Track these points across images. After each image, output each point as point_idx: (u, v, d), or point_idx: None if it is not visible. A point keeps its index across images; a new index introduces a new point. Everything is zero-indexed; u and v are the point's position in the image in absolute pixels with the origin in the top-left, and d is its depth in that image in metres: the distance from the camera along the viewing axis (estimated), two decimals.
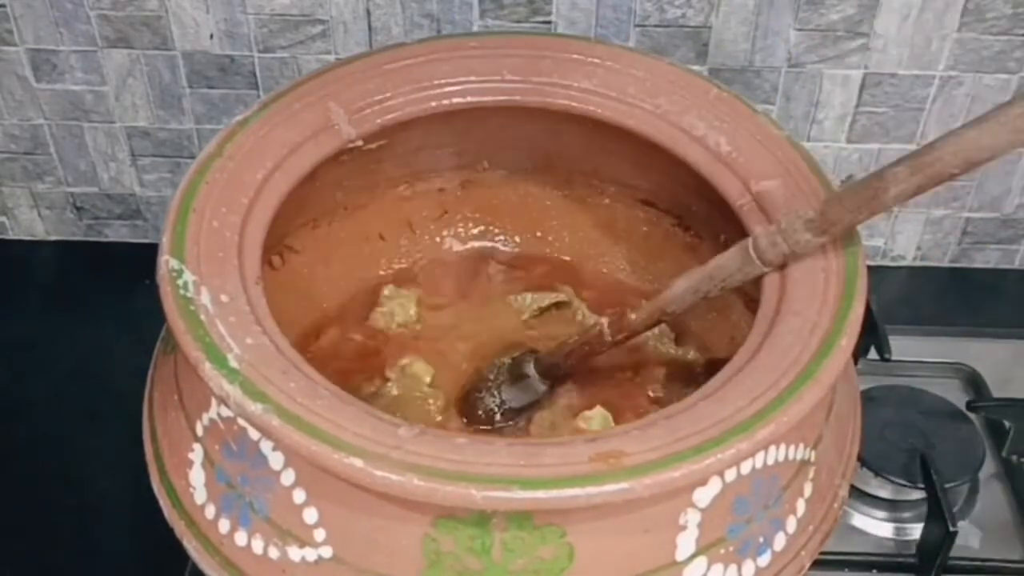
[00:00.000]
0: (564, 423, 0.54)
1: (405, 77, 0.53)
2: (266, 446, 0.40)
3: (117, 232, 0.79)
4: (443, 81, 0.54)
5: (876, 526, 0.61)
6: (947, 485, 0.58)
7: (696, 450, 0.37)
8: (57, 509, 0.61)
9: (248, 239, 0.45)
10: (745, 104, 0.53)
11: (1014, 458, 0.64)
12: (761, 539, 0.41)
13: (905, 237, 0.77)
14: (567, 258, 0.63)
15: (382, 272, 0.61)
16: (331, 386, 0.39)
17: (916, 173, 0.40)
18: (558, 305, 0.61)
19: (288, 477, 0.40)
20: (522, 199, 0.62)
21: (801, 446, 0.43)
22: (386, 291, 0.60)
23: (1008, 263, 0.79)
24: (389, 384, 0.56)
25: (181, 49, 0.69)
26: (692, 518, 0.39)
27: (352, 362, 0.57)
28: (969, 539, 0.60)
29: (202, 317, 0.40)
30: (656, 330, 0.57)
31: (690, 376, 0.57)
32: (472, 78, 0.54)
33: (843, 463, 0.47)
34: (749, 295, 0.51)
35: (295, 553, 0.40)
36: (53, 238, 0.80)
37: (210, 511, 0.42)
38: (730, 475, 0.40)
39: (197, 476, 0.43)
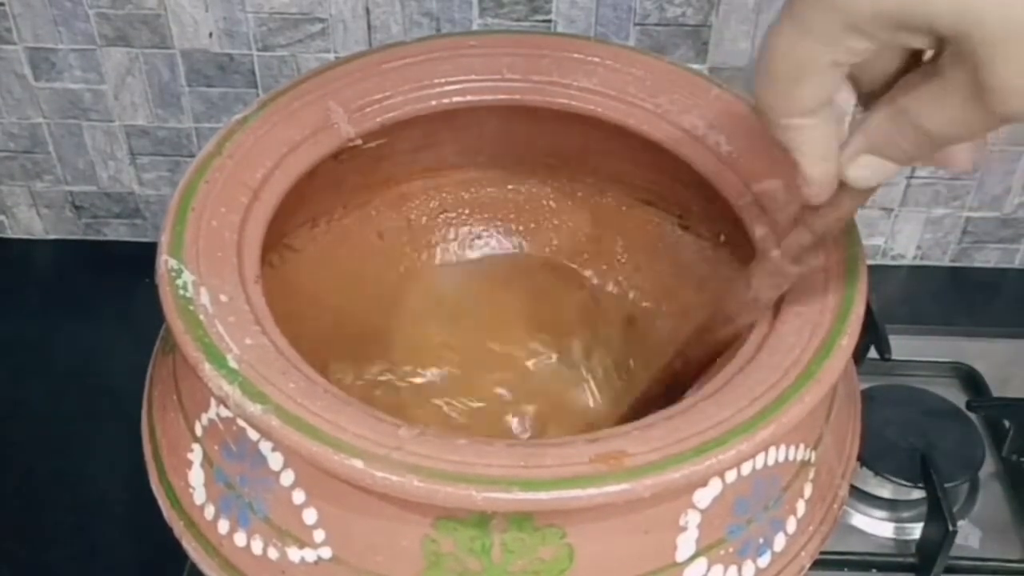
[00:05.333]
0: None
1: (404, 76, 0.53)
2: (265, 447, 0.40)
3: (116, 231, 0.79)
4: (442, 80, 0.54)
5: (876, 526, 0.61)
6: (947, 485, 0.58)
7: (697, 451, 0.36)
8: (55, 509, 0.61)
9: (247, 238, 0.45)
10: (745, 103, 0.53)
11: (1014, 457, 0.64)
12: (761, 540, 0.41)
13: (905, 236, 0.77)
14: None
15: (381, 271, 0.61)
16: (331, 386, 0.39)
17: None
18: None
19: (287, 478, 0.40)
20: (522, 198, 0.62)
21: (801, 447, 0.43)
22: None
23: (1008, 263, 0.79)
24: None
25: (180, 48, 0.69)
26: (692, 519, 0.39)
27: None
28: (969, 538, 0.60)
29: (201, 317, 0.40)
30: None
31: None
32: (472, 77, 0.54)
33: (843, 463, 0.46)
34: None
35: (294, 554, 0.40)
36: (52, 237, 0.80)
37: (209, 511, 0.42)
38: (730, 476, 0.40)
39: (196, 476, 0.43)
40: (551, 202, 0.62)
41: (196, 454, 0.43)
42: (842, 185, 0.36)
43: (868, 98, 0.35)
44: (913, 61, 0.33)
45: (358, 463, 0.36)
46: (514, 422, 0.59)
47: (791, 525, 0.43)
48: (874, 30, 0.30)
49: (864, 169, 0.34)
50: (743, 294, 0.43)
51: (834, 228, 0.39)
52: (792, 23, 0.31)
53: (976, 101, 0.30)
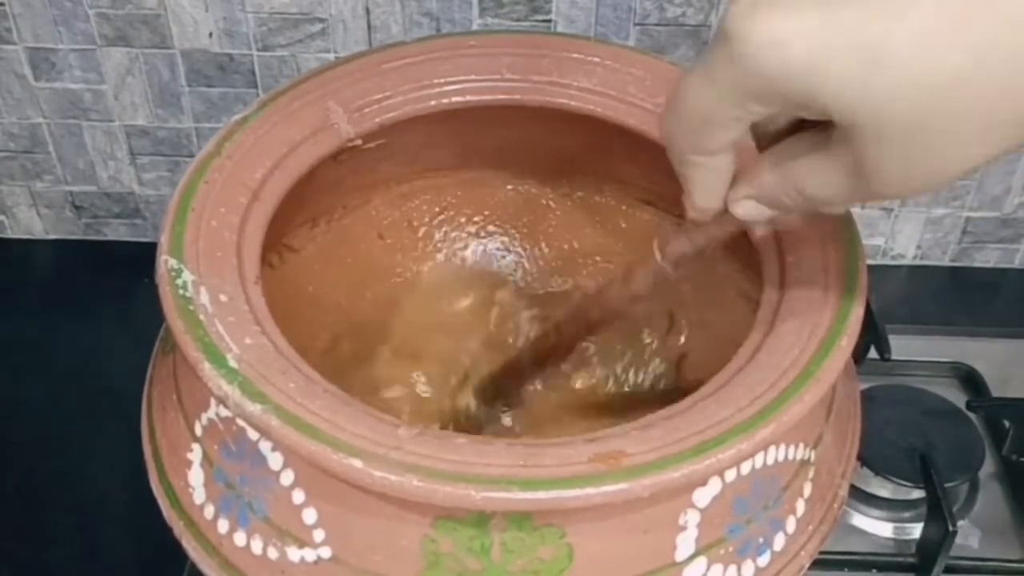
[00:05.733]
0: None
1: (404, 76, 0.53)
2: (265, 446, 0.40)
3: (116, 231, 0.79)
4: (442, 80, 0.54)
5: (876, 526, 0.61)
6: (947, 485, 0.58)
7: (696, 450, 0.36)
8: (55, 509, 0.61)
9: (247, 238, 0.45)
10: None
11: (1014, 457, 0.64)
12: (761, 539, 0.41)
13: (905, 236, 0.77)
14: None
15: (380, 272, 0.61)
16: (330, 386, 0.39)
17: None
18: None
19: (287, 477, 0.40)
20: (522, 198, 0.62)
21: (801, 446, 0.43)
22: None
23: (1008, 262, 0.79)
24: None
25: (180, 48, 0.69)
26: (692, 518, 0.39)
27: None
28: (969, 538, 0.60)
29: (201, 317, 0.40)
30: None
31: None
32: (471, 77, 0.54)
33: (843, 463, 0.46)
34: (749, 295, 0.51)
35: (294, 553, 0.40)
36: (52, 237, 0.80)
37: (209, 511, 0.42)
38: (730, 475, 0.40)
39: (196, 476, 0.43)
40: (551, 202, 0.62)
41: (196, 454, 0.43)
42: (725, 211, 0.39)
43: (761, 140, 0.37)
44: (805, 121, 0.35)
45: (357, 462, 0.36)
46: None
47: (791, 525, 0.43)
48: (774, 103, 0.32)
49: (746, 209, 0.38)
50: (622, 286, 0.48)
51: (713, 243, 0.43)
52: (704, 77, 0.33)
53: (856, 178, 0.33)
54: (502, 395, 0.57)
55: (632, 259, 0.46)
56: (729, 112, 0.33)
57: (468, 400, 0.57)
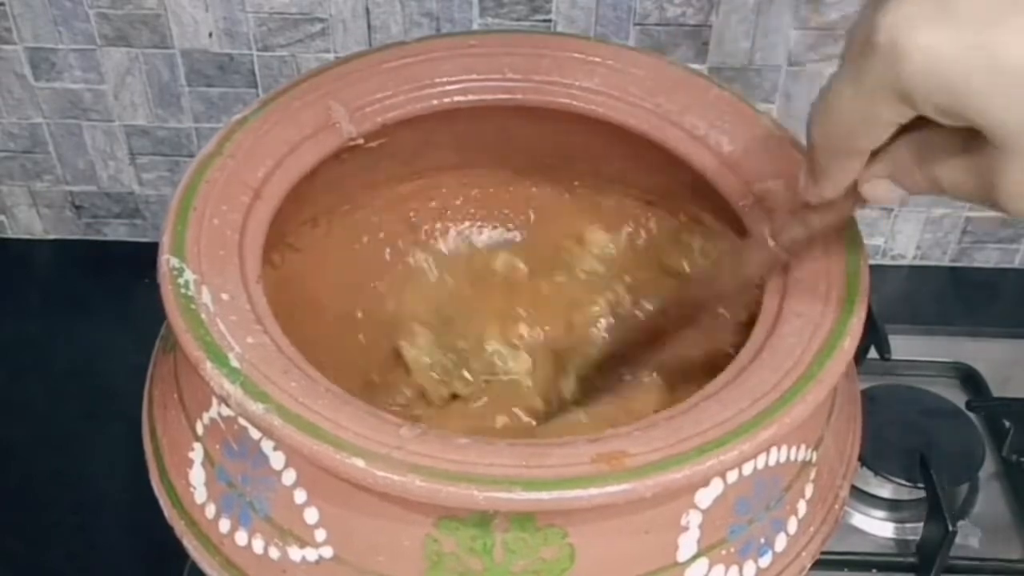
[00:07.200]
0: None
1: (405, 75, 0.53)
2: (267, 446, 0.40)
3: (116, 231, 0.79)
4: (443, 80, 0.54)
5: (876, 526, 0.61)
6: (947, 485, 0.58)
7: (698, 451, 0.37)
8: (56, 508, 0.61)
9: (248, 238, 0.45)
10: (746, 103, 0.53)
11: (1014, 457, 0.64)
12: (762, 540, 0.41)
13: (905, 236, 0.77)
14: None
15: (382, 271, 0.61)
16: (332, 386, 0.39)
17: None
18: None
19: (289, 477, 0.40)
20: (523, 198, 0.62)
21: (803, 447, 0.43)
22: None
23: (1008, 263, 0.79)
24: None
25: (180, 47, 0.69)
26: (694, 519, 0.39)
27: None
28: (969, 539, 0.60)
29: (203, 316, 0.40)
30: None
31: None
32: (472, 77, 0.54)
33: (844, 464, 0.46)
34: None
35: (295, 553, 0.40)
36: (52, 237, 0.80)
37: (210, 511, 0.42)
38: (732, 476, 0.40)
39: (197, 475, 0.43)
40: (551, 202, 0.62)
41: (197, 453, 0.43)
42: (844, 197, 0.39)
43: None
44: None
45: (359, 462, 0.36)
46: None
47: (792, 525, 0.43)
48: (927, 110, 0.33)
49: (880, 190, 0.38)
50: (734, 273, 0.47)
51: (827, 228, 0.43)
52: (857, 87, 0.34)
53: (987, 190, 0.34)
54: (596, 385, 0.56)
55: (740, 243, 0.47)
56: (884, 117, 0.35)
57: (568, 387, 0.57)
